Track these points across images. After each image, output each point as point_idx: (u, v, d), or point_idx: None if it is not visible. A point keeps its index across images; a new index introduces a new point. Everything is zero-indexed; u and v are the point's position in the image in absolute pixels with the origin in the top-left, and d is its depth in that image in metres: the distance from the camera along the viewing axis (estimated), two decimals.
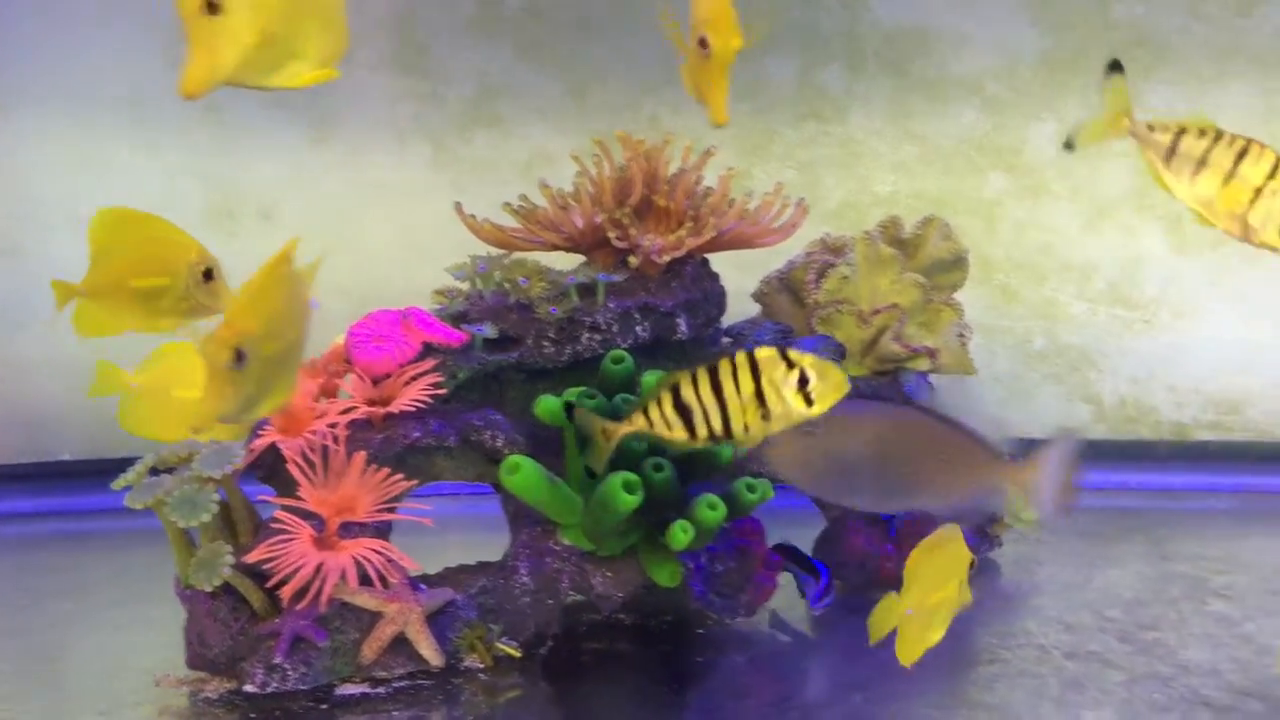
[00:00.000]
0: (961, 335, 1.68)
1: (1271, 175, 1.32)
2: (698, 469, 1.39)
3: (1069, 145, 1.36)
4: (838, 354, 1.61)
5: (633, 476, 1.34)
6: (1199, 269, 2.12)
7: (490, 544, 1.50)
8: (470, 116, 2.14)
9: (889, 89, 2.07)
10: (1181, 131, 1.34)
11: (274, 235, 1.38)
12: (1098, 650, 1.45)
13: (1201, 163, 1.32)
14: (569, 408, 1.41)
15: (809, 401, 1.18)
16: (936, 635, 1.21)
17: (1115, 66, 1.37)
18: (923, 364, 1.69)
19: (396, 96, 2.13)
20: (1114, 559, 1.79)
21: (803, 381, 1.17)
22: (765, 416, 1.17)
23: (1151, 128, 1.35)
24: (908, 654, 1.19)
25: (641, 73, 2.07)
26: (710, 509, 1.34)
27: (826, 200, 2.13)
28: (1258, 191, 1.31)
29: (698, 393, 1.17)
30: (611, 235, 1.48)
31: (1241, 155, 1.32)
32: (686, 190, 1.55)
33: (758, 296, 1.76)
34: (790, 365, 1.18)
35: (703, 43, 1.18)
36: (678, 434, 1.18)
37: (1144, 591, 1.65)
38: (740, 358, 1.18)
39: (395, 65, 2.12)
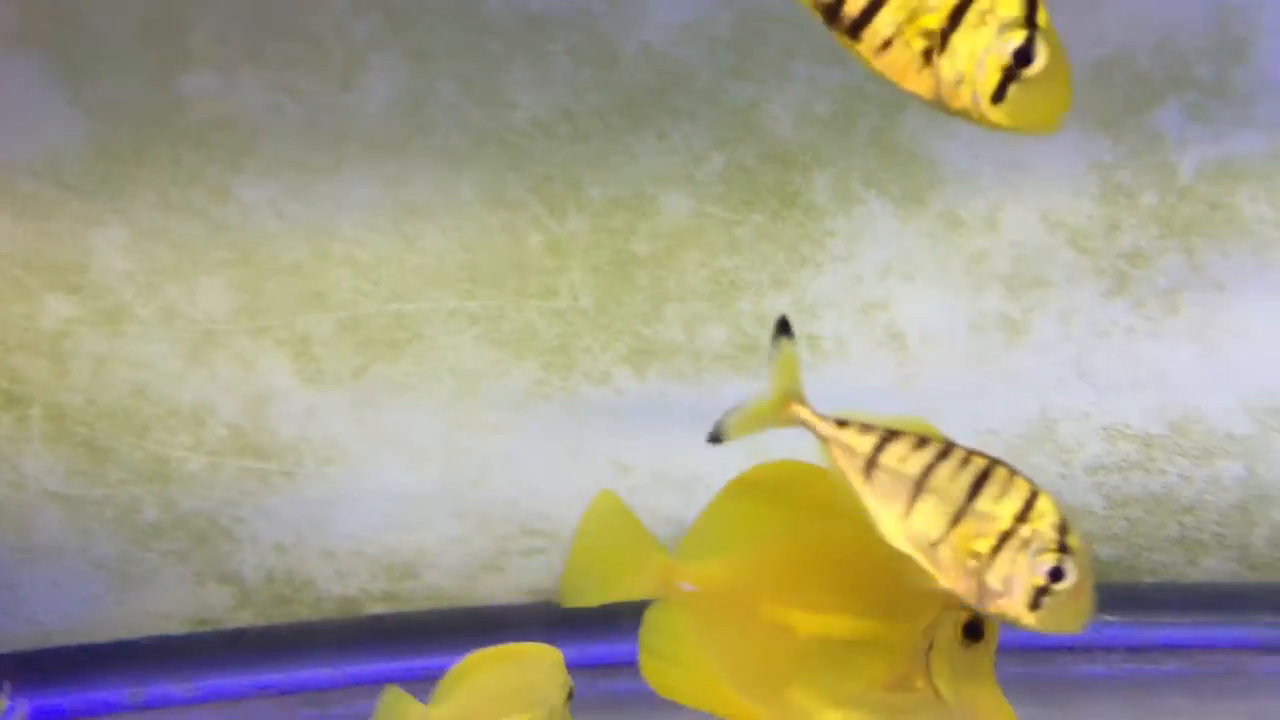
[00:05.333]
0: None
1: (1023, 516, 0.90)
2: None
3: (716, 438, 0.93)
4: None
5: None
6: (342, 403, 1.69)
7: None
8: None
9: None
10: (890, 436, 0.91)
11: None
12: None
13: (919, 486, 0.90)
14: None
15: (1000, 95, 0.77)
16: None
17: (784, 327, 0.97)
18: None
19: None
20: None
21: (1023, 57, 0.78)
22: (931, 49, 0.78)
23: (844, 423, 0.93)
24: None
25: None
26: None
27: None
28: (1002, 538, 0.89)
29: None
30: None
31: (981, 482, 0.89)
32: None
33: None
34: (1032, 18, 0.77)
35: None
36: None
37: None
38: None
39: None
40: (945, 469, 0.90)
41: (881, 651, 0.89)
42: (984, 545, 0.88)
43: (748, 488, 0.94)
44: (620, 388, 1.76)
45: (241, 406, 1.67)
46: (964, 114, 0.81)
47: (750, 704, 0.91)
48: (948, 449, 0.91)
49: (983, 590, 0.89)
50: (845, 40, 0.81)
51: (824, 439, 0.93)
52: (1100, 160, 1.73)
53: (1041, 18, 0.79)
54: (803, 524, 0.92)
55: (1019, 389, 1.79)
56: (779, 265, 1.75)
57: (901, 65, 0.80)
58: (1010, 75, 0.79)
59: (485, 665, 1.12)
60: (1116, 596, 1.83)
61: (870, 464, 0.91)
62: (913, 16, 0.80)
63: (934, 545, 0.90)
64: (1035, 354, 1.78)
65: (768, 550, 0.92)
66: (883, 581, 0.88)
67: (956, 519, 0.89)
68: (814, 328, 1.77)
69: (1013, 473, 0.90)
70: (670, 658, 0.93)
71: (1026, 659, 1.71)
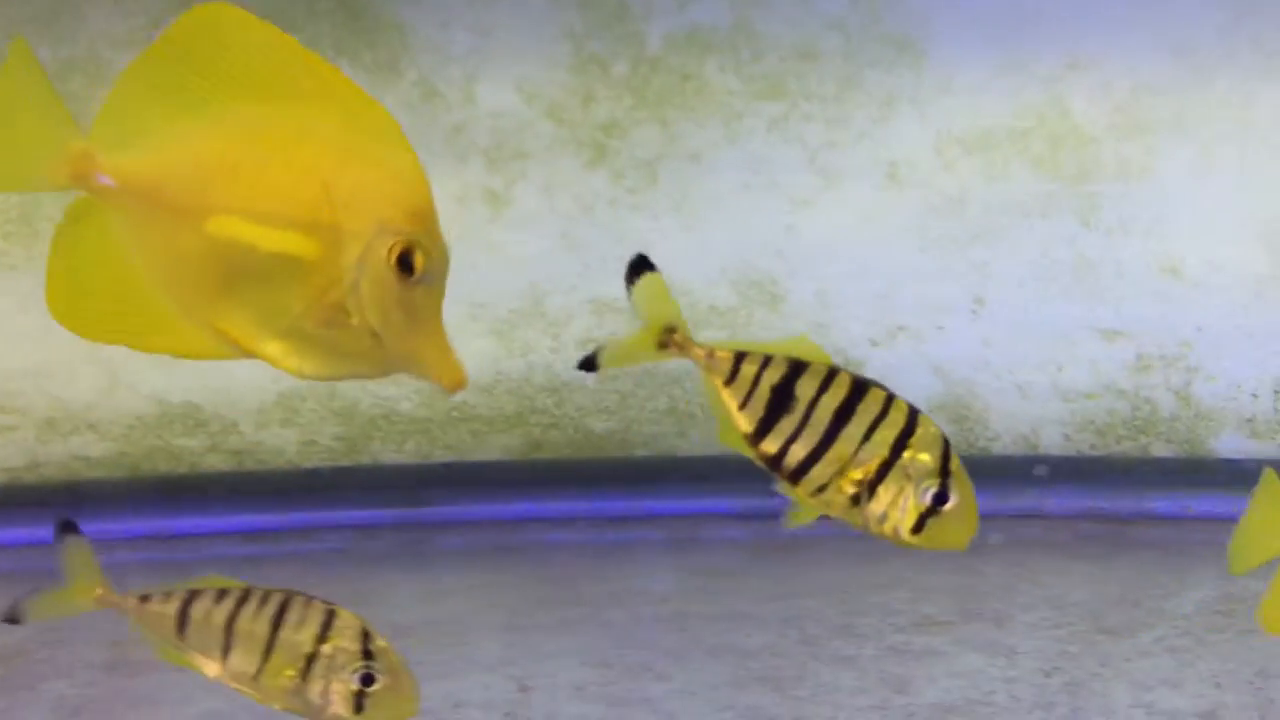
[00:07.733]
0: None
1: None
2: None
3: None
4: None
5: None
6: None
7: None
8: None
9: None
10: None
11: None
12: None
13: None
14: None
15: (919, 527, 0.90)
16: None
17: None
18: None
19: None
20: None
21: (940, 499, 0.90)
22: (860, 495, 0.90)
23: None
24: None
25: None
26: None
27: None
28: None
29: (816, 397, 0.89)
30: None
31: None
32: None
33: None
34: (945, 467, 0.90)
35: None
36: (741, 422, 0.88)
37: None
38: (900, 402, 0.90)
39: None
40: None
41: (307, 273, 0.72)
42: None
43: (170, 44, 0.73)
44: None
45: None
46: (885, 538, 0.94)
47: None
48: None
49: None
50: (785, 483, 0.92)
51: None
52: (572, 29, 1.72)
53: (954, 463, 0.92)
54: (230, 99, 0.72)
55: (507, 262, 1.78)
56: None
57: (832, 505, 0.92)
58: (927, 513, 0.93)
59: None
60: (610, 469, 1.86)
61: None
62: (842, 470, 0.91)
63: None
64: (521, 227, 1.78)
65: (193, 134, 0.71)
66: (316, 189, 0.71)
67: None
68: None
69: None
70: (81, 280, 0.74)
71: (501, 529, 1.73)
